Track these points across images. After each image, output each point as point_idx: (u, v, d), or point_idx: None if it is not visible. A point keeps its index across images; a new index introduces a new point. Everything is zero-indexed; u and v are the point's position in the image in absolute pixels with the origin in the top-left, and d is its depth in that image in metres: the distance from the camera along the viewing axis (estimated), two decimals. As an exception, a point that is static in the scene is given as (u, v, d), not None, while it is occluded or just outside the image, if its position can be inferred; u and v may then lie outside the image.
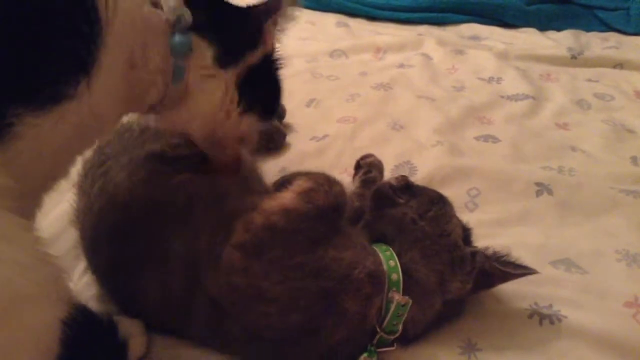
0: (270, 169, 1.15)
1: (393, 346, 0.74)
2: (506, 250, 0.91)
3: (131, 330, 0.73)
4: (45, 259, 0.56)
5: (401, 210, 0.80)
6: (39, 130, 0.56)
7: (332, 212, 0.74)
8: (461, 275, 0.76)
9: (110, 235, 0.78)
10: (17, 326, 0.53)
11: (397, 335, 0.73)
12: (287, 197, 0.73)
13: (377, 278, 0.72)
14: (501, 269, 0.76)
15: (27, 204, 0.63)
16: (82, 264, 0.88)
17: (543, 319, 0.80)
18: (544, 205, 1.05)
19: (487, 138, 1.27)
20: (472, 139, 1.27)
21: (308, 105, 1.41)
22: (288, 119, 1.32)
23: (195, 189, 0.78)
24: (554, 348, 0.77)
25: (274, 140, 1.21)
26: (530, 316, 0.81)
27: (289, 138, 1.26)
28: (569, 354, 0.76)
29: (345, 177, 1.11)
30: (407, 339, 0.76)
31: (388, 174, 1.09)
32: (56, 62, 0.57)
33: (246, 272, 0.69)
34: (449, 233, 0.78)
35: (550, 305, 0.82)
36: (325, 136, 1.26)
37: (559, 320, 0.80)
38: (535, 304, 0.82)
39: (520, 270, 0.77)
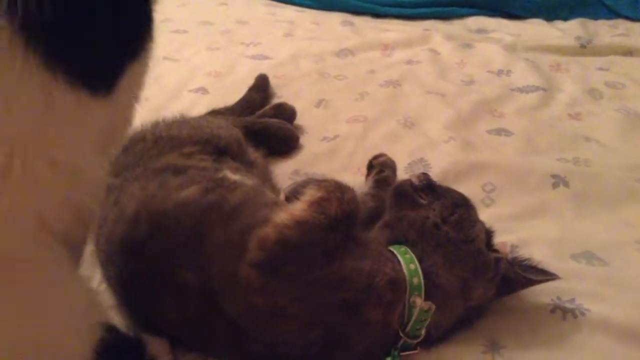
0: (283, 171, 1.15)
1: (416, 349, 0.74)
2: (525, 244, 0.92)
3: (158, 349, 0.73)
4: (82, 283, 0.56)
5: (423, 214, 0.79)
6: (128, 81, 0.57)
7: (345, 221, 0.72)
8: (484, 281, 0.75)
9: (122, 250, 0.77)
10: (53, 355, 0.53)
11: (420, 339, 0.73)
12: (298, 209, 0.71)
13: (397, 284, 0.71)
14: (524, 275, 0.75)
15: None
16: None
17: (566, 313, 0.80)
18: (561, 197, 1.04)
19: (499, 132, 1.26)
20: (485, 133, 1.26)
21: (317, 105, 1.41)
22: (298, 120, 1.32)
23: (202, 208, 0.76)
24: (578, 342, 0.76)
25: (285, 142, 1.21)
26: (553, 311, 0.80)
27: (300, 139, 1.26)
28: (593, 347, 0.76)
29: (358, 177, 1.11)
30: (430, 342, 0.75)
31: (401, 172, 1.09)
32: None
33: (264, 290, 0.68)
34: (472, 239, 0.77)
35: (573, 299, 0.81)
36: (336, 136, 1.26)
37: (582, 314, 0.79)
38: (558, 298, 0.82)
39: (542, 277, 0.76)
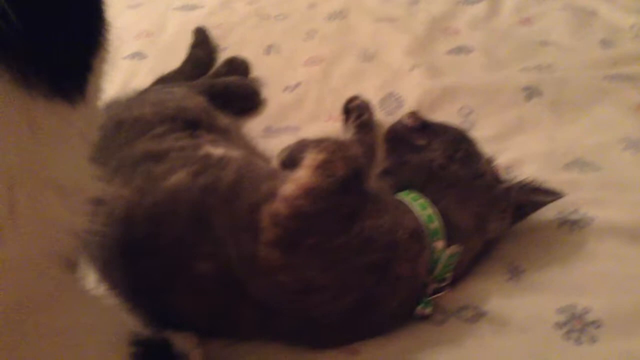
0: (255, 129, 1.10)
1: (443, 291, 0.74)
2: (516, 164, 0.92)
3: (186, 345, 0.70)
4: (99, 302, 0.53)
5: (427, 157, 0.76)
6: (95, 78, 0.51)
7: (355, 179, 0.69)
8: (498, 213, 0.75)
9: (122, 254, 0.71)
10: None
11: (448, 282, 0.72)
12: (304, 176, 0.68)
13: (419, 234, 0.70)
14: (534, 200, 0.75)
15: None
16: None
17: (573, 225, 0.81)
18: (537, 108, 1.04)
19: (459, 51, 1.24)
20: (445, 55, 1.23)
21: (267, 52, 1.33)
22: (252, 72, 1.25)
23: (197, 193, 0.71)
24: (591, 251, 0.78)
25: (249, 98, 1.14)
26: (560, 225, 0.82)
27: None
28: (605, 253, 0.77)
29: (332, 124, 1.08)
30: (454, 280, 0.75)
31: (376, 110, 1.06)
32: None
33: (288, 267, 0.65)
34: (481, 173, 0.76)
35: (576, 210, 0.83)
36: (297, 84, 1.20)
37: (589, 223, 0.81)
38: (561, 212, 0.83)
39: (549, 197, 0.77)
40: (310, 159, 0.69)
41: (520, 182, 0.79)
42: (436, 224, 0.71)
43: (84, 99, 0.49)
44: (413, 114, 0.82)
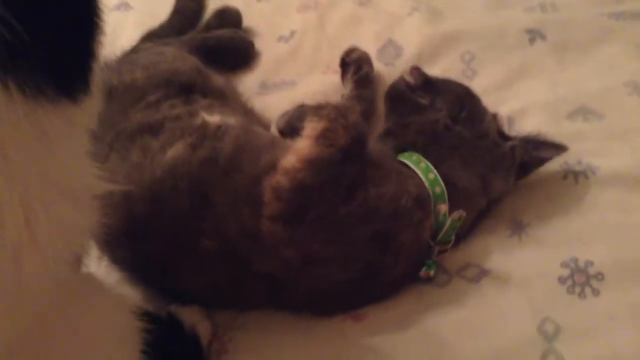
0: (250, 85, 1.07)
1: (447, 251, 0.74)
2: (519, 114, 0.91)
3: (194, 318, 0.71)
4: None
5: (430, 117, 0.75)
6: None
7: (357, 147, 0.68)
8: (503, 172, 0.74)
9: (124, 233, 0.70)
10: None
11: (451, 244, 0.73)
12: (305, 147, 0.66)
13: (423, 200, 0.69)
14: (538, 156, 0.74)
15: None
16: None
17: (577, 176, 0.80)
18: (540, 52, 1.01)
19: (458, -13, 1.18)
20: (444, -6, 1.18)
21: (258, -1, 1.28)
22: (243, 21, 1.20)
23: (196, 167, 0.70)
24: (595, 201, 0.78)
25: (243, 53, 1.10)
26: (565, 176, 0.81)
27: (255, 43, 1.15)
28: (609, 202, 0.77)
29: (330, 77, 1.05)
30: (457, 239, 0.75)
31: (375, 61, 1.03)
32: None
33: (292, 241, 0.65)
34: (486, 132, 0.74)
35: (580, 161, 0.82)
36: (292, 33, 1.16)
37: (593, 172, 0.80)
38: (565, 163, 0.82)
39: (555, 151, 0.76)
40: (310, 128, 0.68)
41: (524, 137, 0.78)
42: (440, 188, 0.71)
43: (88, 94, 0.48)
44: (415, 70, 0.79)
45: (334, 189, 0.66)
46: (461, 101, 0.76)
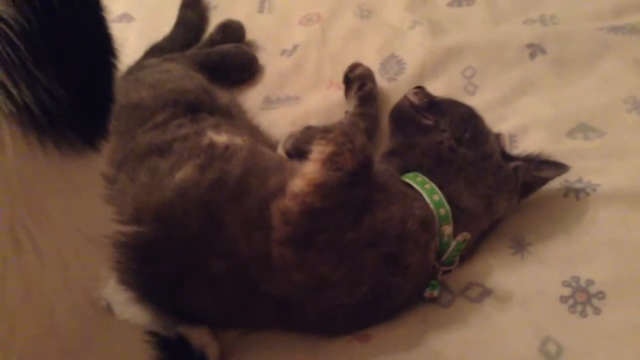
0: (254, 101, 1.08)
1: (451, 271, 0.75)
2: (521, 131, 0.92)
3: (203, 340, 0.72)
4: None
5: (434, 139, 0.76)
6: None
7: (364, 171, 0.69)
8: (507, 193, 0.75)
9: (134, 255, 0.71)
10: None
11: (455, 265, 0.74)
12: (313, 171, 0.67)
13: (428, 222, 0.71)
14: (540, 177, 0.76)
15: None
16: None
17: (578, 194, 0.82)
18: (541, 67, 1.02)
19: (460, 2, 1.19)
20: (446, 7, 1.19)
21: (260, 10, 1.29)
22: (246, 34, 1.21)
23: (205, 190, 0.71)
24: (596, 218, 0.79)
25: (246, 68, 1.12)
26: (566, 194, 0.82)
27: (258, 57, 1.16)
28: (610, 220, 0.78)
29: (333, 92, 1.06)
30: (461, 259, 0.76)
31: (377, 76, 1.04)
32: None
33: (302, 265, 0.66)
34: (490, 154, 0.76)
35: (580, 179, 0.83)
36: (295, 47, 1.17)
37: (594, 190, 0.81)
38: (566, 180, 0.83)
39: (557, 171, 0.77)
40: (318, 151, 0.69)
41: (526, 157, 0.79)
42: (444, 210, 0.72)
43: (107, 139, 0.49)
44: (419, 91, 0.81)
45: (342, 213, 0.67)
46: (465, 122, 0.78)
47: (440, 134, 0.77)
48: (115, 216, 0.57)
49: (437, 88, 1.00)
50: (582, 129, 0.91)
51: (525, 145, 0.89)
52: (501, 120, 0.94)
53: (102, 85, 0.47)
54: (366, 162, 0.70)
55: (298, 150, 0.74)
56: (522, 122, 0.93)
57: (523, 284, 0.75)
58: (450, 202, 0.73)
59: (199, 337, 0.73)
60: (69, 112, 0.42)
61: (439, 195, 0.73)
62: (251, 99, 1.08)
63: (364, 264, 0.68)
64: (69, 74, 0.43)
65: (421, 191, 0.73)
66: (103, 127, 0.48)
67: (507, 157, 0.79)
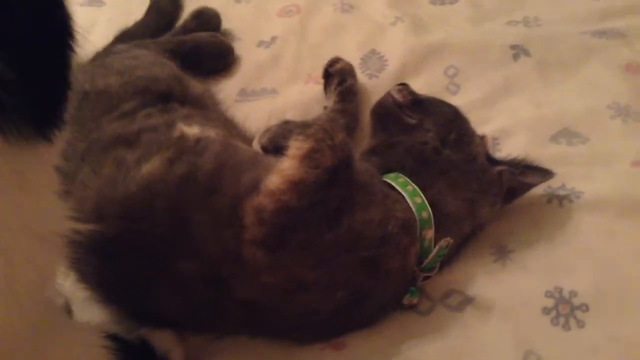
0: (228, 93, 1.03)
1: (431, 277, 0.72)
2: (504, 134, 0.90)
3: (167, 343, 0.68)
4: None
5: (418, 139, 0.73)
6: None
7: (343, 169, 0.65)
8: (490, 198, 0.72)
9: (94, 252, 0.66)
10: None
11: (435, 271, 0.71)
12: (290, 168, 0.63)
13: (410, 225, 0.68)
14: (525, 182, 0.73)
15: None
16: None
17: (562, 201, 0.79)
18: (524, 69, 1.00)
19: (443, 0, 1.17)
20: (428, 5, 1.16)
21: (237, 0, 1.24)
22: (223, 23, 1.16)
23: (174, 185, 0.66)
24: (579, 226, 0.77)
25: (222, 58, 1.07)
26: (549, 201, 0.80)
27: (234, 48, 1.11)
28: (594, 228, 0.76)
29: (311, 87, 1.02)
30: (441, 265, 0.73)
31: (357, 72, 1.00)
32: None
33: (274, 267, 0.62)
34: (474, 156, 0.73)
35: (563, 185, 0.81)
36: (273, 38, 1.12)
37: (577, 197, 0.79)
38: (549, 186, 0.81)
39: (541, 177, 0.75)
40: (296, 147, 0.65)
41: (511, 161, 0.77)
42: (427, 213, 0.69)
43: (62, 129, 0.44)
44: (403, 88, 0.77)
45: (320, 213, 0.63)
46: (450, 123, 0.75)
47: (424, 133, 0.73)
48: (71, 213, 0.52)
49: (419, 86, 0.97)
50: (566, 134, 0.89)
51: (509, 148, 0.86)
52: (484, 122, 0.91)
53: (57, 69, 0.43)
54: (346, 159, 0.66)
55: (275, 145, 0.70)
56: (505, 124, 0.91)
57: (505, 293, 0.72)
58: (432, 205, 0.70)
59: (163, 340, 0.68)
60: (19, 98, 0.38)
61: (421, 198, 0.69)
62: (226, 90, 1.03)
63: (340, 268, 0.64)
64: (20, 56, 0.38)
65: (403, 193, 0.70)
66: (57, 116, 0.43)
67: (492, 161, 0.76)
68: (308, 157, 0.64)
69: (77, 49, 0.44)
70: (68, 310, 0.76)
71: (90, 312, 0.75)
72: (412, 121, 0.75)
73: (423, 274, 0.70)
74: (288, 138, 0.67)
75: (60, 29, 0.43)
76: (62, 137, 0.45)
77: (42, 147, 0.41)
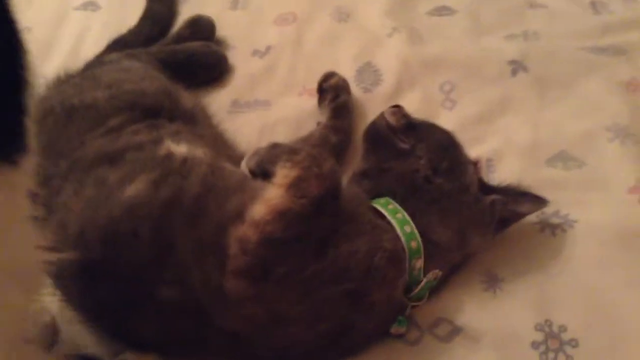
0: (221, 104, 1.02)
1: (419, 305, 0.71)
2: (498, 156, 0.88)
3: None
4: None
5: (410, 165, 0.71)
6: None
7: (330, 199, 0.64)
8: (482, 228, 0.71)
9: (78, 276, 0.66)
10: None
11: (424, 300, 0.70)
12: (275, 197, 0.62)
13: (398, 257, 0.66)
14: (518, 212, 0.71)
15: None
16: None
17: (555, 229, 0.78)
18: (522, 85, 0.98)
19: (441, 11, 1.15)
20: (426, 15, 1.14)
21: (233, 7, 1.22)
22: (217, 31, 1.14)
23: (158, 209, 0.65)
24: (573, 259, 0.75)
25: (215, 68, 1.05)
26: (542, 230, 0.78)
27: (228, 56, 1.09)
28: (588, 257, 0.74)
29: (305, 100, 1.00)
30: (429, 293, 0.72)
31: (352, 85, 0.99)
32: None
33: (258, 299, 0.61)
34: (467, 186, 0.71)
35: (557, 211, 0.79)
36: (268, 48, 1.10)
37: (571, 226, 0.78)
38: (542, 212, 0.79)
39: (533, 206, 0.73)
40: (282, 175, 0.63)
41: (504, 188, 0.75)
42: (416, 243, 0.67)
43: (27, 152, 0.43)
44: (397, 111, 0.75)
45: (304, 244, 0.62)
46: (443, 150, 0.73)
47: (416, 160, 0.72)
48: (48, 241, 0.51)
49: (414, 101, 0.96)
50: (562, 158, 0.87)
51: (503, 171, 0.85)
52: (479, 141, 0.90)
53: (8, 96, 0.41)
54: (333, 190, 0.64)
55: (262, 170, 0.69)
56: (501, 145, 0.89)
57: (494, 323, 0.70)
58: (422, 234, 0.68)
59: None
60: None
61: (410, 227, 0.68)
62: (218, 101, 1.01)
63: (325, 300, 0.62)
64: None
65: (392, 221, 0.68)
66: (17, 139, 0.41)
67: (485, 188, 0.74)
68: (294, 186, 0.62)
69: (32, 77, 0.42)
70: (56, 328, 0.75)
71: (77, 331, 0.74)
72: (405, 146, 0.73)
73: (411, 304, 0.69)
74: (275, 164, 0.66)
75: (11, 59, 0.41)
76: (29, 159, 0.44)
77: (8, 173, 0.39)
